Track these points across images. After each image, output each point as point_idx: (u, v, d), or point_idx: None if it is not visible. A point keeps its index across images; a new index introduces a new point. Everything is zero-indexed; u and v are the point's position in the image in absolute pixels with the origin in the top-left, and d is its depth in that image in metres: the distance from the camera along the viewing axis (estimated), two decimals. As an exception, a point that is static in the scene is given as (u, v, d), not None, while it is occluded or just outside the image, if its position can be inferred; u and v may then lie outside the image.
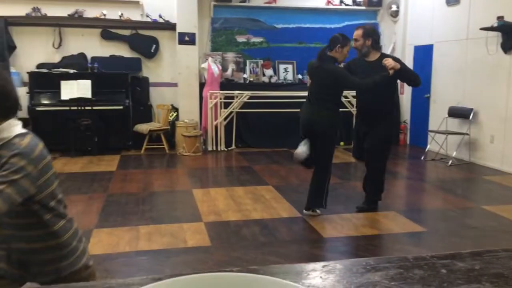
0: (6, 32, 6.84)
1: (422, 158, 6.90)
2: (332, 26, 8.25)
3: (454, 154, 6.61)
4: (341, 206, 4.57)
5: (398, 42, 8.32)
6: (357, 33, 4.10)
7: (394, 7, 8.32)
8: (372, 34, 4.11)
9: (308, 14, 8.14)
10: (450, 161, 6.48)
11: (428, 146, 7.18)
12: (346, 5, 8.21)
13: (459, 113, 6.74)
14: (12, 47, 7.02)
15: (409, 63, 8.13)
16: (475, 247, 3.13)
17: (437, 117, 7.27)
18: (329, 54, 4.02)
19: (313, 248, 3.56)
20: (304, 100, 4.39)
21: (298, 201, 4.66)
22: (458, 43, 6.81)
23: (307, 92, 4.31)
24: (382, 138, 4.19)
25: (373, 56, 4.11)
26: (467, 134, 6.54)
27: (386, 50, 8.44)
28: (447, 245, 3.55)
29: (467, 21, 6.62)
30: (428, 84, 7.56)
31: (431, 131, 7.09)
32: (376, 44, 4.13)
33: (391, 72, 3.86)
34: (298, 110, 7.27)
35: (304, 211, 4.22)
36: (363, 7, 8.25)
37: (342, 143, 7.92)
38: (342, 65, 4.33)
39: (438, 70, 7.36)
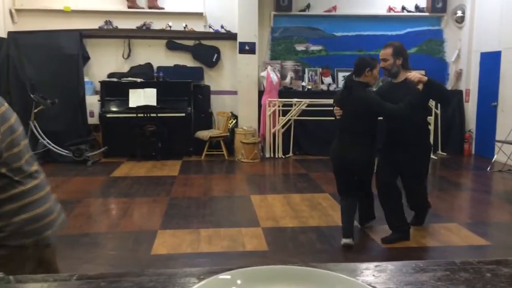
0: (81, 44, 7.36)
1: (488, 169, 6.61)
2: (393, 33, 8.13)
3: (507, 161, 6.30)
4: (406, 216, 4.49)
5: (463, 49, 8.05)
6: (386, 51, 3.71)
7: (459, 13, 8.07)
8: (403, 52, 3.72)
9: (369, 21, 8.07)
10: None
11: (495, 157, 6.87)
12: (409, 11, 8.07)
13: None
14: (86, 58, 7.54)
15: (475, 70, 7.86)
16: None
17: (505, 126, 6.94)
18: (358, 80, 3.64)
19: (370, 257, 3.56)
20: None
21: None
22: (529, 49, 6.50)
23: (337, 128, 3.82)
24: (420, 167, 3.85)
25: (402, 77, 3.69)
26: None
27: (450, 57, 8.21)
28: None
29: (539, 26, 6.30)
30: (496, 92, 7.25)
31: (498, 141, 6.78)
32: (406, 63, 3.74)
33: (420, 87, 3.47)
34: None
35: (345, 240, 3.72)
36: (426, 14, 8.06)
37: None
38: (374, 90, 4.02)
39: (506, 78, 7.04)
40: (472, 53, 7.92)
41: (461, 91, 8.08)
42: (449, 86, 8.22)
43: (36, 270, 1.62)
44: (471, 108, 7.97)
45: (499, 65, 7.20)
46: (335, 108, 3.72)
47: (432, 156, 7.49)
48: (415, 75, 3.54)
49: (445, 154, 7.75)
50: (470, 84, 7.96)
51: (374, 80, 3.70)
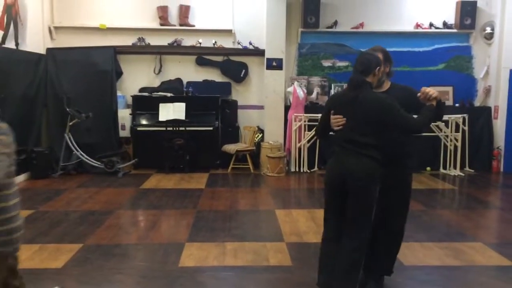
0: (115, 59, 7.67)
1: (517, 187, 6.53)
2: (421, 49, 8.15)
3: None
4: (423, 234, 4.52)
5: (492, 66, 7.99)
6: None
7: (488, 29, 8.02)
8: (391, 59, 3.13)
9: (396, 38, 8.11)
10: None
11: (524, 175, 6.77)
12: (436, 28, 8.07)
13: None
14: (119, 73, 7.85)
15: (504, 87, 7.79)
16: None
17: (535, 144, 6.84)
18: (366, 80, 2.89)
19: (393, 275, 3.58)
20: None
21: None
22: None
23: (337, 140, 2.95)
24: (408, 191, 3.19)
25: (386, 86, 3.11)
26: None
27: (479, 74, 8.15)
28: None
29: None
30: (525, 109, 7.17)
31: (528, 160, 6.68)
32: (391, 72, 3.16)
33: (434, 103, 2.95)
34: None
35: None
36: (455, 30, 8.05)
37: (428, 168, 7.74)
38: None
39: (537, 95, 6.96)
40: (502, 69, 7.85)
41: (489, 108, 8.00)
42: (477, 102, 8.16)
43: (7, 278, 1.96)
44: (500, 125, 7.87)
45: (529, 82, 7.12)
46: (335, 116, 2.91)
47: (459, 173, 7.45)
48: (432, 91, 2.96)
49: (472, 171, 7.67)
50: (499, 100, 7.87)
51: (377, 81, 2.98)
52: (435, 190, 6.60)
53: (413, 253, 4.01)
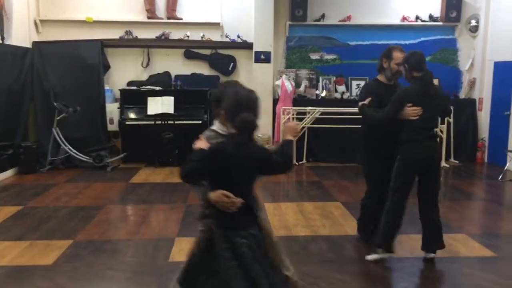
0: (102, 53, 7.62)
1: (500, 178, 6.67)
2: (408, 42, 8.21)
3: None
4: (410, 226, 4.58)
5: (477, 58, 8.10)
6: (402, 55, 3.68)
7: (473, 22, 8.13)
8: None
9: (383, 30, 8.18)
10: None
11: (507, 166, 6.92)
12: (423, 21, 8.15)
13: None
14: (106, 67, 7.80)
15: (488, 79, 7.91)
16: None
17: (518, 136, 6.99)
18: None
19: (380, 268, 3.68)
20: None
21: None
22: (543, 59, 6.55)
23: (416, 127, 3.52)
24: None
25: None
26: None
27: (464, 66, 8.27)
28: None
29: (552, 37, 6.35)
30: (508, 102, 7.29)
31: (510, 151, 6.83)
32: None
33: None
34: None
35: (430, 254, 3.75)
36: (440, 23, 8.14)
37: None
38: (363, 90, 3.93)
39: (520, 87, 7.09)
40: (486, 62, 7.97)
41: (474, 100, 8.13)
42: (462, 94, 8.28)
43: None
44: (484, 117, 8.01)
45: (512, 75, 7.25)
46: (413, 107, 3.46)
47: (445, 164, 7.58)
48: None
49: (457, 162, 7.81)
50: (484, 93, 8.01)
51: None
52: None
53: (400, 245, 4.09)
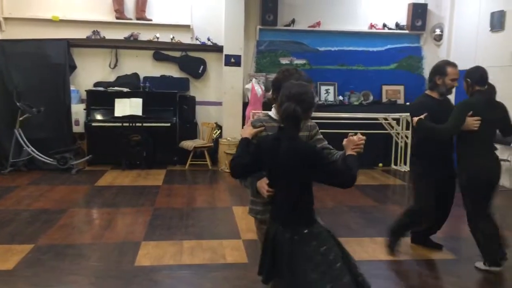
0: (68, 53, 7.45)
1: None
2: (375, 49, 8.41)
3: (495, 180, 6.57)
4: (374, 230, 4.71)
5: (441, 66, 8.34)
6: (456, 71, 3.71)
7: (438, 31, 8.38)
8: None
9: (351, 37, 8.34)
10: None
11: (469, 171, 7.14)
12: (389, 29, 8.35)
13: (501, 139, 6.68)
14: (72, 67, 7.63)
15: (451, 87, 8.14)
16: (505, 279, 3.23)
17: (479, 142, 7.22)
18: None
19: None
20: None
21: (332, 223, 4.82)
22: (502, 69, 6.79)
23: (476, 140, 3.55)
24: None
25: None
26: (508, 160, 6.49)
27: (427, 74, 8.49)
28: (476, 275, 3.63)
29: (510, 47, 6.61)
30: (470, 109, 7.54)
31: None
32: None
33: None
34: (339, 131, 7.53)
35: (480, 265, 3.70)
36: (406, 31, 8.36)
37: (380, 165, 8.02)
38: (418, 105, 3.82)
39: (481, 95, 7.34)
40: (449, 70, 8.21)
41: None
42: (427, 101, 8.51)
43: None
44: (447, 123, 8.24)
45: (474, 83, 7.50)
46: (474, 117, 3.46)
47: (409, 168, 7.75)
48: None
49: (422, 167, 8.00)
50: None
51: None
52: (386, 185, 6.87)
53: (364, 248, 4.18)
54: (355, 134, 2.32)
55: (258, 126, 2.39)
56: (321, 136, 2.59)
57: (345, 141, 2.34)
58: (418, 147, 3.90)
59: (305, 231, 2.17)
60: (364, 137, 2.36)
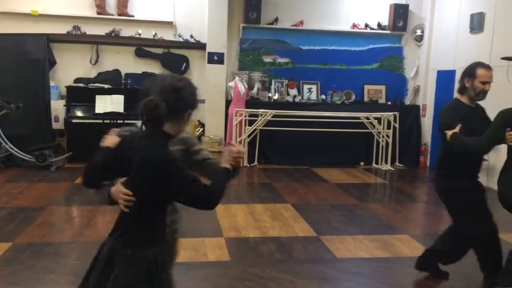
0: (48, 48, 7.31)
1: (441, 182, 6.99)
2: (357, 48, 8.48)
3: (473, 179, 6.69)
4: (356, 228, 4.76)
5: (422, 66, 8.47)
6: (489, 73, 3.28)
7: (418, 32, 8.49)
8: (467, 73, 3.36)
9: (334, 36, 8.39)
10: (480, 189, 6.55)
11: (448, 170, 7.26)
12: (371, 29, 8.42)
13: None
14: (52, 62, 7.49)
15: (431, 87, 8.29)
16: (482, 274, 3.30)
17: (458, 142, 7.35)
18: None
19: (326, 268, 3.76)
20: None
21: (315, 221, 4.88)
22: (481, 70, 6.94)
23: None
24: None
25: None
26: (486, 160, 6.60)
27: (409, 74, 8.63)
28: (456, 272, 3.69)
29: (489, 49, 6.74)
30: (450, 109, 7.66)
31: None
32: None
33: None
34: (321, 129, 7.61)
35: None
36: (388, 31, 8.44)
37: (362, 163, 8.09)
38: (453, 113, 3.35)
39: (460, 96, 7.47)
40: (430, 70, 8.36)
41: (418, 106, 8.50)
42: (407, 101, 8.63)
43: None
44: (427, 123, 8.38)
45: (453, 83, 7.56)
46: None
47: (390, 167, 7.86)
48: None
49: (402, 165, 8.12)
50: (427, 99, 8.38)
51: None
52: (368, 184, 6.94)
53: (345, 246, 4.21)
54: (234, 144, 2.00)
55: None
56: (199, 147, 2.24)
57: (223, 150, 1.99)
58: (448, 159, 3.39)
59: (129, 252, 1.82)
60: (244, 150, 2.01)
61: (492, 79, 3.26)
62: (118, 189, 1.82)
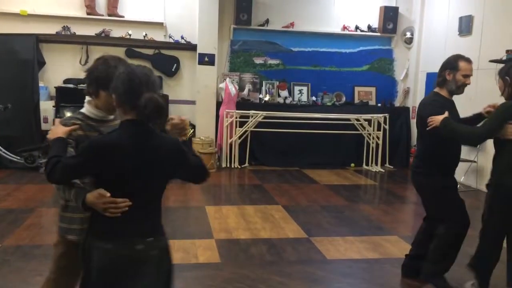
0: (37, 48, 7.25)
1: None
2: (347, 50, 8.52)
3: (461, 180, 6.75)
4: (346, 229, 4.78)
5: (411, 69, 8.54)
6: (470, 66, 3.23)
7: (408, 34, 8.55)
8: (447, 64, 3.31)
9: (324, 38, 8.42)
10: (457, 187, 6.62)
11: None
12: (362, 31, 8.47)
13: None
14: (41, 63, 7.43)
15: (421, 89, 8.35)
16: (470, 275, 3.32)
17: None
18: None
19: (317, 269, 3.77)
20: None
21: (305, 222, 4.89)
22: (469, 72, 7.01)
23: None
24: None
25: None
26: (475, 161, 6.68)
27: (399, 76, 8.68)
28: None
29: (478, 52, 6.81)
30: (439, 111, 7.73)
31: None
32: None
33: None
34: (312, 131, 7.64)
35: None
36: (378, 34, 8.49)
37: (353, 165, 8.13)
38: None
39: (449, 98, 7.54)
40: (419, 73, 8.43)
41: (408, 108, 8.56)
42: (397, 103, 8.69)
43: None
44: (414, 126, 8.42)
45: (442, 86, 7.70)
46: None
47: (380, 169, 7.90)
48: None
49: (392, 167, 8.18)
50: (417, 102, 8.43)
51: None
52: (358, 185, 6.97)
53: (336, 247, 4.23)
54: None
55: (71, 124, 2.04)
56: None
57: (168, 126, 2.04)
58: (431, 154, 3.31)
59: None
60: (184, 118, 2.08)
61: (472, 73, 3.21)
62: (102, 195, 1.80)
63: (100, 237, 1.84)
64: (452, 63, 3.23)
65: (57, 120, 1.96)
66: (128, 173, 1.82)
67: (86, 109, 2.15)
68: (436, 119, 3.07)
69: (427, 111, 3.21)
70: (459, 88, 3.24)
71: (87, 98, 2.17)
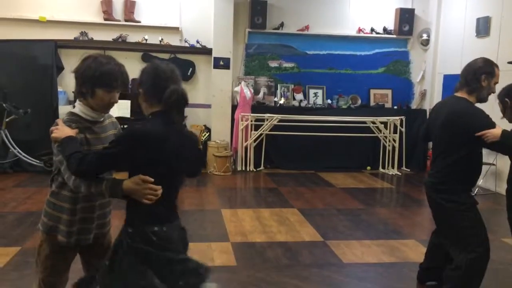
0: (55, 54, 7.38)
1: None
2: (363, 53, 8.48)
3: (480, 183, 6.66)
4: (362, 232, 4.75)
5: (428, 71, 8.46)
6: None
7: (425, 36, 8.48)
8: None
9: (339, 41, 8.40)
10: (476, 191, 6.53)
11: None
12: (377, 33, 8.42)
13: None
14: (60, 68, 7.56)
15: (438, 91, 8.27)
16: (489, 280, 3.28)
17: (465, 146, 7.33)
18: None
19: (333, 273, 3.76)
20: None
21: (321, 225, 4.88)
22: (487, 74, 6.91)
23: None
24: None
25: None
26: (494, 164, 6.59)
27: (415, 78, 8.61)
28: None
29: (496, 54, 6.71)
30: (456, 113, 7.64)
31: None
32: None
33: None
34: (327, 134, 7.62)
35: None
36: (394, 36, 8.44)
37: (369, 168, 8.08)
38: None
39: (467, 100, 7.45)
40: (436, 74, 8.34)
41: (425, 110, 8.47)
42: (414, 105, 8.61)
43: None
44: (434, 127, 8.34)
45: (460, 88, 7.60)
46: None
47: (397, 172, 7.84)
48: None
49: (409, 170, 8.10)
50: (433, 104, 8.31)
51: None
52: (374, 189, 6.92)
53: (352, 251, 4.21)
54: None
55: (75, 127, 2.08)
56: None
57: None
58: (462, 169, 2.95)
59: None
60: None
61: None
62: (143, 182, 1.89)
63: (154, 222, 1.99)
64: (489, 69, 2.91)
65: (59, 120, 2.03)
66: (167, 158, 1.95)
67: (79, 109, 2.12)
68: (494, 133, 2.76)
69: (476, 122, 2.84)
70: (488, 96, 2.97)
71: (78, 100, 2.15)
